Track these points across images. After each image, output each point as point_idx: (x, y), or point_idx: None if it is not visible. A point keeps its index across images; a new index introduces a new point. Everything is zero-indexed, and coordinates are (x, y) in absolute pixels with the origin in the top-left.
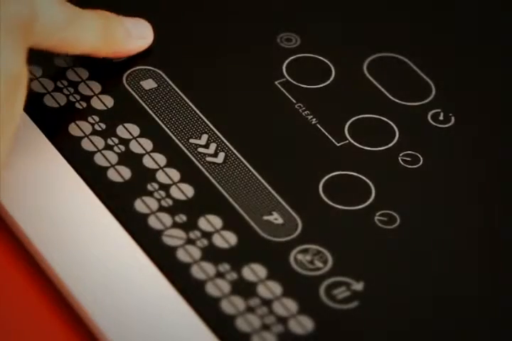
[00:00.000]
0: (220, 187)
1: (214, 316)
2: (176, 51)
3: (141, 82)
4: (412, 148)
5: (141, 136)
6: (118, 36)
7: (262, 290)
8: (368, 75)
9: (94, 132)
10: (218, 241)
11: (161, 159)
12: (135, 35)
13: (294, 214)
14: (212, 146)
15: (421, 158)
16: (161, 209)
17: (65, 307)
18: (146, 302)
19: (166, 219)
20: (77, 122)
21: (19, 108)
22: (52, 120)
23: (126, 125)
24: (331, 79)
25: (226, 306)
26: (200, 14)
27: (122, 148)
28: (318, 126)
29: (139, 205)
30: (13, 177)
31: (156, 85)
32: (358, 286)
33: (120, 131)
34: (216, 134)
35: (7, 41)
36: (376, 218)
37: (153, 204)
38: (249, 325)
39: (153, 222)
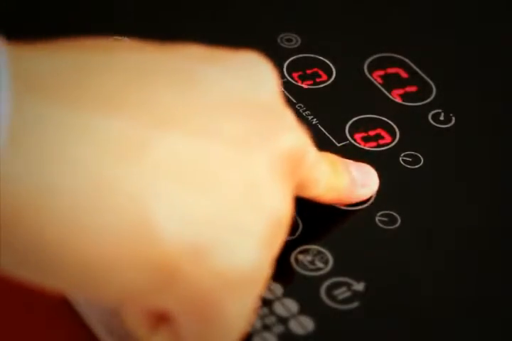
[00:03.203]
0: None
1: None
2: None
3: None
4: (412, 148)
5: None
6: (343, 183)
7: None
8: (368, 75)
9: None
10: None
11: None
12: (361, 183)
13: (294, 214)
14: None
15: (422, 159)
16: None
17: (66, 307)
18: None
19: None
20: None
21: (273, 255)
22: None
23: None
24: (331, 79)
25: None
26: (201, 14)
27: None
28: (319, 126)
29: None
30: None
31: None
32: (359, 286)
33: None
34: None
35: (274, 175)
36: (377, 218)
37: None
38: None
39: None
